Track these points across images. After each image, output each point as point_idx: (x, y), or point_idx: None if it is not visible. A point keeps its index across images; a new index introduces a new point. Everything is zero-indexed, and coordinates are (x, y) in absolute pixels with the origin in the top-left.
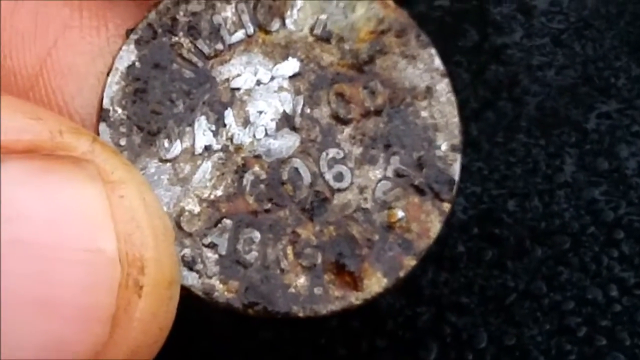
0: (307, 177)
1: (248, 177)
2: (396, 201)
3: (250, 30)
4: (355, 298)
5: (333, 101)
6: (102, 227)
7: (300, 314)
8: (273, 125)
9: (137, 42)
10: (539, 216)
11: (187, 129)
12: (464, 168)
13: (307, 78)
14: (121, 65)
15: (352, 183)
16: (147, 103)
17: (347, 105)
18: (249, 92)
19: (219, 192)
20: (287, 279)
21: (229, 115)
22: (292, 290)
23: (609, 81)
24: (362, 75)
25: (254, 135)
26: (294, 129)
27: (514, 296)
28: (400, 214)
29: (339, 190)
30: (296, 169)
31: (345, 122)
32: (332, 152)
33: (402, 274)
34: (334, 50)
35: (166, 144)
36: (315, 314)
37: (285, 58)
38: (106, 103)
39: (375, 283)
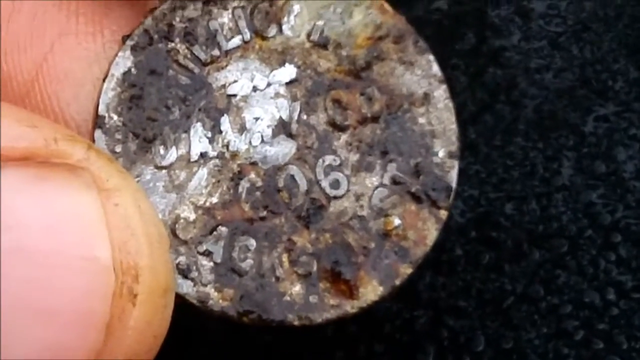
0: (303, 184)
1: (244, 185)
2: (393, 209)
3: (247, 36)
4: (350, 306)
5: (330, 108)
6: (96, 235)
7: (296, 322)
8: (269, 131)
9: (133, 48)
10: (536, 219)
11: (183, 135)
12: (461, 171)
13: (304, 84)
14: (117, 71)
15: (348, 190)
16: (142, 109)
17: (344, 111)
18: (245, 98)
19: (215, 200)
20: (283, 287)
21: (225, 122)
22: (287, 298)
23: (606, 84)
24: (359, 81)
25: (250, 142)
26: (290, 135)
27: (511, 299)
28: (396, 221)
29: (335, 197)
30: (292, 176)
31: (342, 128)
32: (329, 159)
33: (398, 282)
34: (331, 56)
35: (162, 151)
36: (311, 322)
37: (282, 64)
38: (102, 109)
39: (371, 291)
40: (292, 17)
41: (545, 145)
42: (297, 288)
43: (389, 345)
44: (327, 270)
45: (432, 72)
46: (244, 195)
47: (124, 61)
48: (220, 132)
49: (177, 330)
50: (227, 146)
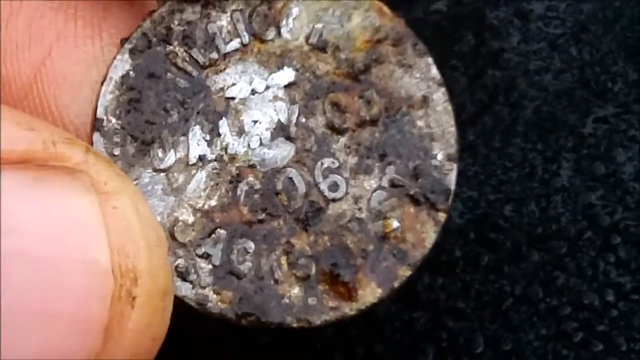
0: (301, 187)
1: (242, 187)
2: (391, 211)
3: (246, 39)
4: (349, 308)
5: (328, 110)
6: (95, 238)
7: (294, 325)
8: (268, 134)
9: (132, 52)
10: (535, 221)
11: (182, 138)
12: (460, 173)
13: (303, 87)
14: (115, 74)
15: (347, 193)
16: (141, 113)
17: (342, 114)
18: (243, 101)
19: (213, 202)
20: (281, 289)
21: (224, 125)
22: (286, 300)
23: (606, 86)
24: (357, 84)
25: (249, 145)
26: (288, 138)
27: (510, 301)
28: (395, 224)
29: (333, 200)
30: (291, 179)
31: (340, 131)
32: (327, 161)
33: (396, 284)
34: (330, 59)
35: (160, 154)
36: (309, 324)
37: (280, 67)
38: (100, 112)
39: (370, 293)
40: (290, 20)
41: (544, 146)
42: (296, 290)
43: (388, 346)
44: (325, 272)
45: (431, 75)
46: (242, 198)
47: (123, 64)
48: (219, 135)
49: (175, 333)
50: (226, 149)
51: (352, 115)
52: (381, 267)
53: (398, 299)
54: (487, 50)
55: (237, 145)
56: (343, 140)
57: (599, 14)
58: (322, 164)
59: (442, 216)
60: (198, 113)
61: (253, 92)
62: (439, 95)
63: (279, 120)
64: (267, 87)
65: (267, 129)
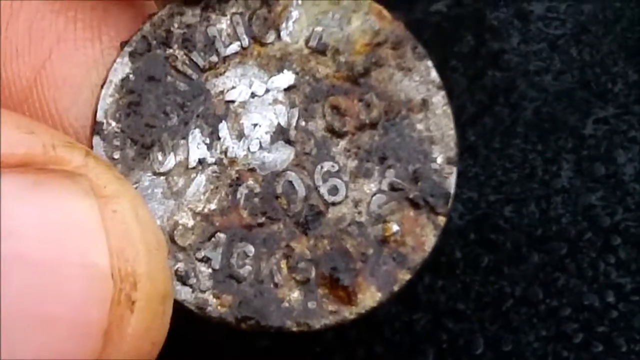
0: (301, 191)
1: (242, 191)
2: (391, 215)
3: (245, 42)
4: (349, 312)
5: (328, 114)
6: (94, 242)
7: (294, 329)
8: (267, 138)
9: (132, 55)
10: (535, 222)
11: (181, 142)
12: (460, 174)
13: (302, 90)
14: (115, 77)
15: (346, 196)
16: (141, 116)
17: (342, 118)
18: (243, 104)
19: (213, 206)
20: (281, 293)
21: (224, 128)
22: (286, 304)
23: (606, 86)
24: (357, 87)
25: (249, 149)
26: (288, 142)
27: (510, 302)
28: (394, 227)
29: (333, 203)
30: (290, 183)
31: (340, 135)
32: (327, 165)
33: (396, 288)
34: (330, 62)
35: (160, 157)
36: (309, 328)
37: (280, 70)
38: (100, 116)
39: (370, 297)
40: (290, 23)
41: (544, 147)
42: (296, 294)
43: (388, 348)
44: (325, 276)
45: (431, 78)
46: (242, 202)
47: (122, 67)
48: (219, 138)
49: (175, 337)
50: (226, 152)
51: (351, 118)
52: (381, 270)
53: (398, 301)
54: (487, 51)
55: (236, 149)
56: (343, 143)
57: (599, 15)
58: (321, 167)
59: (441, 220)
60: (198, 116)
61: (253, 95)
62: (439, 99)
63: (278, 123)
64: (267, 91)
65: (266, 133)
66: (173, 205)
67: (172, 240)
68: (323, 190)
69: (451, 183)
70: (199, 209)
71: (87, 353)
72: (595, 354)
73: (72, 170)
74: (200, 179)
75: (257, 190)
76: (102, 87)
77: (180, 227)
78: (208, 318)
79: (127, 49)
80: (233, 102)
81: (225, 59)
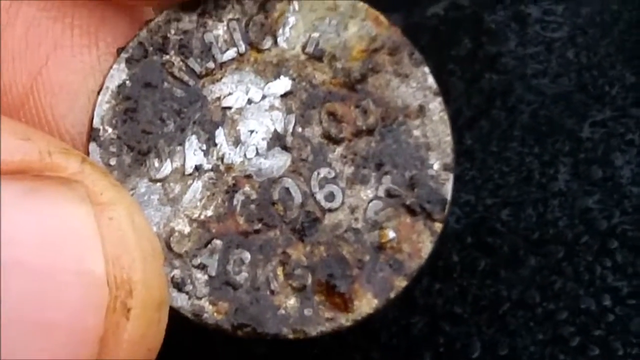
0: (298, 197)
1: (238, 197)
2: (387, 221)
3: (242, 48)
4: (345, 319)
5: (325, 120)
6: (90, 249)
7: (290, 336)
8: (264, 144)
9: (128, 61)
10: (532, 225)
11: (178, 148)
12: (457, 177)
13: (299, 97)
14: (112, 84)
15: (343, 203)
16: (137, 122)
17: (338, 124)
18: (240, 111)
19: (209, 213)
20: (277, 300)
21: (220, 135)
22: (282, 311)
23: (603, 89)
24: (354, 93)
25: (245, 155)
26: (285, 148)
27: (507, 305)
28: (391, 234)
29: (330, 210)
30: (287, 189)
31: (336, 141)
32: (324, 171)
33: (392, 294)
34: (326, 68)
35: (156, 164)
36: (305, 335)
37: (277, 76)
38: (96, 122)
39: (366, 304)
40: (287, 29)
41: (541, 150)
42: (292, 301)
43: (385, 352)
44: (321, 283)
45: (428, 85)
46: (238, 208)
47: (119, 74)
48: (215, 144)
49: (171, 344)
50: (222, 159)
51: (348, 124)
52: (377, 277)
53: (395, 305)
54: (485, 54)
55: (233, 155)
56: (339, 150)
57: (596, 18)
58: (318, 173)
59: (438, 226)
60: (194, 123)
61: (249, 101)
62: (436, 105)
63: (275, 130)
64: (264, 97)
65: (263, 139)
66: (169, 212)
67: (168, 247)
68: (319, 196)
69: (448, 189)
70: (196, 215)
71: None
72: (591, 357)
73: (68, 177)
74: (197, 185)
75: (254, 196)
76: (98, 93)
77: (176, 233)
78: (204, 325)
79: (124, 55)
80: (230, 108)
81: (221, 65)
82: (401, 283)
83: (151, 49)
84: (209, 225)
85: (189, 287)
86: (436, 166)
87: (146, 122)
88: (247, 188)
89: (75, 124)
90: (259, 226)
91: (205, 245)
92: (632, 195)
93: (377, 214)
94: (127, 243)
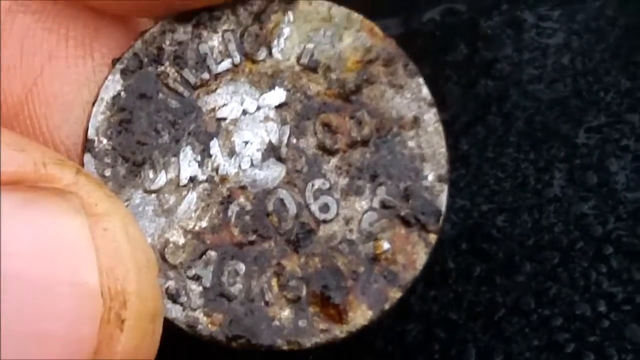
0: (292, 208)
1: (233, 208)
2: (382, 232)
3: (237, 59)
4: (339, 331)
5: (319, 131)
6: (84, 260)
7: (285, 347)
8: (259, 155)
9: (123, 72)
10: (528, 231)
11: (173, 159)
12: (453, 183)
13: (294, 108)
14: (107, 95)
15: (337, 214)
16: (132, 133)
17: (333, 135)
18: (235, 122)
19: (204, 224)
20: (272, 311)
21: (215, 146)
22: (277, 323)
23: (598, 95)
24: (349, 105)
25: (240, 166)
26: (279, 159)
27: (502, 312)
28: (385, 245)
29: (324, 221)
30: (281, 200)
31: (331, 152)
32: (318, 182)
33: (387, 306)
34: (321, 79)
35: (151, 175)
36: (300, 346)
37: (271, 87)
38: (91, 133)
39: (360, 316)
40: (282, 40)
41: (536, 156)
42: (286, 312)
43: (380, 358)
44: (316, 294)
45: (422, 96)
46: (233, 219)
47: (114, 85)
48: (210, 155)
49: (166, 355)
50: (217, 170)
51: (343, 135)
52: (372, 289)
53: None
54: (481, 59)
55: (228, 166)
56: (334, 161)
57: (592, 24)
58: (313, 185)
59: (432, 237)
60: (189, 134)
61: (244, 112)
62: (430, 116)
63: (269, 141)
64: (258, 108)
65: (258, 150)
66: (164, 223)
67: (163, 258)
68: (314, 207)
69: (442, 201)
70: (190, 226)
71: None
72: None
73: (62, 188)
74: (192, 196)
75: (248, 208)
76: (93, 104)
77: (171, 245)
78: (199, 336)
79: (119, 66)
80: (224, 119)
81: (216, 76)
82: (396, 294)
83: (146, 60)
84: (203, 236)
85: (183, 299)
86: (431, 177)
87: (141, 133)
88: (241, 199)
89: (70, 134)
90: (253, 237)
91: (200, 257)
92: (627, 201)
93: (372, 225)
94: (121, 254)
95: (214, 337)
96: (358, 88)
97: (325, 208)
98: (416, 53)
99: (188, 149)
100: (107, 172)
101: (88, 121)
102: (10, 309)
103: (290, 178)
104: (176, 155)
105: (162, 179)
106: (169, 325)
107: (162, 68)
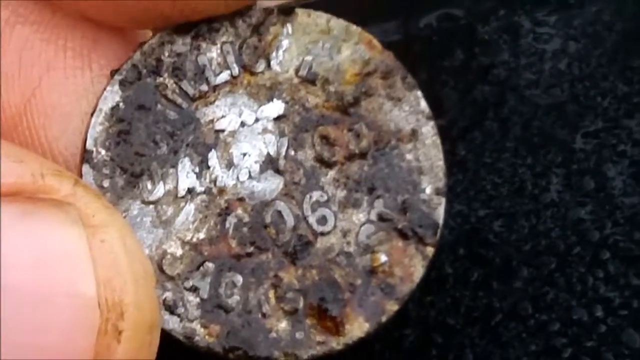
0: (290, 220)
1: (231, 220)
2: (379, 245)
3: (236, 71)
4: (336, 343)
5: (317, 144)
6: (82, 272)
7: (281, 359)
8: (257, 167)
9: (122, 83)
10: (525, 236)
11: (171, 170)
12: (450, 188)
13: (292, 120)
14: (105, 106)
15: (335, 226)
16: (130, 144)
17: (331, 147)
18: (233, 133)
19: (202, 235)
20: (269, 323)
21: (213, 157)
22: (274, 334)
23: (595, 100)
24: (347, 117)
25: (238, 178)
26: (277, 171)
27: (500, 317)
28: (383, 258)
29: (322, 233)
30: (279, 212)
31: (329, 164)
32: (316, 195)
33: (384, 318)
34: (319, 92)
35: (149, 186)
36: (296, 358)
37: (270, 99)
38: (90, 144)
39: (357, 328)
40: (280, 53)
41: (534, 161)
42: (284, 324)
43: None
44: (313, 306)
45: (420, 108)
46: (231, 231)
47: (112, 96)
48: (208, 167)
49: None
50: (215, 182)
51: (341, 148)
52: (369, 301)
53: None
54: (478, 65)
55: (226, 178)
56: (332, 173)
57: (588, 29)
58: (310, 197)
59: (430, 250)
60: (187, 145)
61: (242, 124)
62: (428, 129)
63: (268, 153)
64: (257, 120)
65: (256, 162)
66: (162, 234)
67: (160, 269)
68: (312, 220)
69: (440, 214)
70: (188, 238)
71: None
72: None
73: (60, 200)
74: (189, 208)
75: (246, 219)
76: (91, 115)
77: (168, 256)
78: (196, 348)
79: (117, 77)
80: (223, 131)
81: (215, 87)
82: (393, 307)
83: (145, 71)
84: (201, 247)
85: (180, 310)
86: (428, 190)
87: (139, 145)
88: (239, 211)
89: (68, 145)
90: (251, 249)
91: (198, 268)
92: (624, 206)
93: (369, 238)
94: (118, 265)
95: (211, 348)
96: (356, 100)
97: (322, 220)
98: (413, 58)
99: (186, 161)
100: (106, 183)
101: (86, 132)
102: (8, 319)
103: (288, 190)
104: (174, 166)
105: (160, 190)
106: (166, 337)
107: (161, 79)
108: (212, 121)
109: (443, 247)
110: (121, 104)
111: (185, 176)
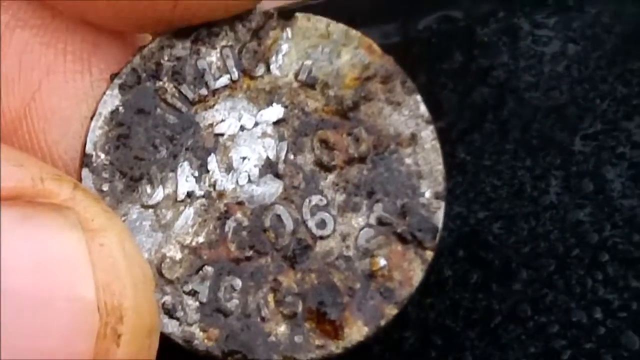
0: (289, 224)
1: (230, 224)
2: (378, 249)
3: (235, 75)
4: (335, 347)
5: (317, 148)
6: (81, 276)
7: None
8: (256, 171)
9: (121, 87)
10: (524, 238)
11: (170, 174)
12: (449, 190)
13: (291, 124)
14: (105, 110)
15: (334, 230)
16: (130, 148)
17: (331, 152)
18: (232, 137)
19: (201, 239)
20: (268, 327)
21: (212, 161)
22: (273, 338)
23: (594, 102)
24: (346, 121)
25: (237, 182)
26: (277, 175)
27: (499, 319)
28: (382, 262)
29: (321, 237)
30: (278, 216)
31: (328, 169)
32: (315, 199)
33: (383, 322)
34: (319, 96)
35: (148, 190)
36: None
37: (269, 104)
38: (89, 148)
39: (356, 332)
40: (280, 57)
41: (533, 164)
42: (283, 328)
43: None
44: (312, 310)
45: (420, 113)
46: (230, 235)
47: (112, 100)
48: (207, 171)
49: None
50: (214, 185)
51: (340, 152)
52: (368, 305)
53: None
54: (477, 67)
55: (225, 182)
56: (331, 177)
57: (588, 31)
58: (310, 201)
59: (429, 254)
60: (187, 149)
61: (242, 128)
62: (428, 133)
63: (267, 157)
64: (256, 124)
65: (255, 166)
66: (161, 238)
67: (159, 273)
68: (311, 224)
69: (439, 218)
70: (187, 242)
71: None
72: None
73: (60, 204)
74: (189, 212)
75: (245, 223)
76: (91, 119)
77: (168, 260)
78: (195, 352)
79: (117, 81)
80: (222, 135)
81: (214, 92)
82: (392, 311)
83: (144, 75)
84: (200, 251)
85: (179, 314)
86: (428, 194)
87: (139, 149)
88: (238, 215)
89: (68, 149)
90: (250, 253)
91: (197, 272)
92: (623, 209)
93: (368, 242)
94: (117, 269)
95: (210, 352)
96: (356, 105)
97: (322, 224)
98: (412, 61)
99: (186, 165)
100: (105, 187)
101: (86, 136)
102: (8, 323)
103: (287, 194)
104: (174, 170)
105: (159, 194)
106: (165, 340)
107: (160, 83)
108: (211, 125)
109: (442, 249)
110: (121, 108)
111: (185, 180)
